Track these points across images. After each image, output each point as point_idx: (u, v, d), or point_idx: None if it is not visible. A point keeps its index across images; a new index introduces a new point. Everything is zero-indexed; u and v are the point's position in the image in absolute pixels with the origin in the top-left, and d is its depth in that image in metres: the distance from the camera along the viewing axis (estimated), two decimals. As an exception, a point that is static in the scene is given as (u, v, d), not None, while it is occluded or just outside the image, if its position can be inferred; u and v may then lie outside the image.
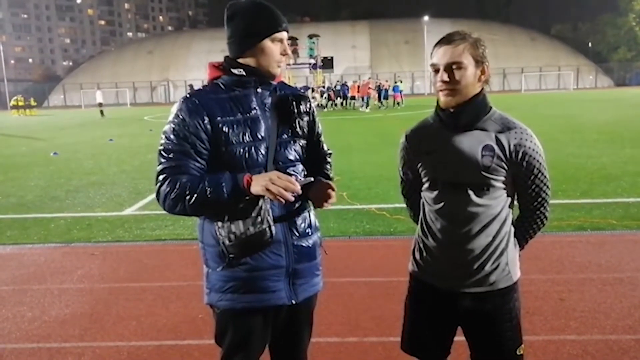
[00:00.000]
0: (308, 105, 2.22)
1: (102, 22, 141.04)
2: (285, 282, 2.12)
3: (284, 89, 2.21)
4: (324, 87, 40.62)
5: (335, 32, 68.91)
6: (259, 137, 2.05)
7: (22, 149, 17.59)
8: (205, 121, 1.99)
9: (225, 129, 2.01)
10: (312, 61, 39.88)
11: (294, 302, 2.14)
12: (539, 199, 2.11)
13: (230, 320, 2.13)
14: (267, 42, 2.03)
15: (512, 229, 2.15)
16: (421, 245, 2.22)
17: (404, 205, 2.44)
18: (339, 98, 38.46)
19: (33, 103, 51.83)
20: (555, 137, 14.64)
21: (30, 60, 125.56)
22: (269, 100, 2.13)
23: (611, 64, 73.29)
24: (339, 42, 67.12)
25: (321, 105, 38.35)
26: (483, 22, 76.25)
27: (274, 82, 2.16)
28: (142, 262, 5.56)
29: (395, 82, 37.64)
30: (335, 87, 40.03)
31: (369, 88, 36.14)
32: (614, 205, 7.06)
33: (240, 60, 2.08)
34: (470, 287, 2.10)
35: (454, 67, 1.97)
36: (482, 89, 2.06)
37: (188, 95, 2.07)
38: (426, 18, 65.34)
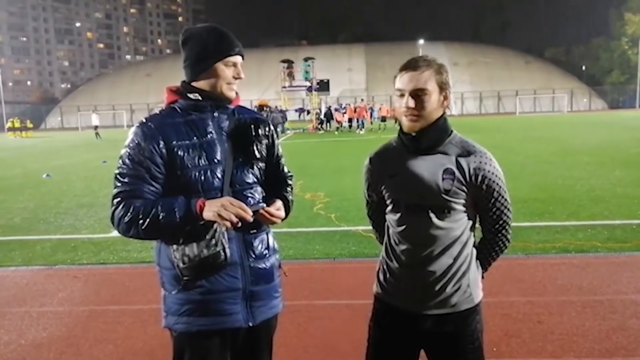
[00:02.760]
0: (267, 129, 2.24)
1: (101, 45, 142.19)
2: (242, 304, 2.11)
3: (242, 113, 2.23)
4: (319, 110, 40.90)
5: (331, 55, 69.59)
6: (215, 160, 2.06)
7: (16, 171, 17.58)
8: (161, 145, 2.01)
9: (180, 152, 2.02)
10: (308, 84, 40.14)
11: (251, 324, 2.13)
12: (500, 222, 2.13)
13: (186, 344, 2.12)
14: (220, 65, 2.06)
15: (474, 252, 2.16)
16: (385, 267, 2.23)
17: (371, 226, 2.46)
18: (329, 122, 38.97)
19: (29, 125, 51.90)
20: (546, 160, 14.71)
21: (28, 82, 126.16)
22: (226, 124, 2.15)
23: (605, 86, 74.01)
24: (335, 65, 67.74)
25: (317, 127, 38.55)
26: (477, 45, 77.03)
27: (231, 106, 2.17)
28: (125, 285, 5.53)
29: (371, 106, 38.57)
30: (329, 109, 40.37)
31: (365, 111, 36.44)
32: (600, 228, 7.07)
33: (195, 84, 2.10)
34: (432, 309, 2.10)
35: (419, 93, 2.00)
36: (444, 113, 2.09)
37: (144, 120, 2.09)
38: (421, 41, 66.04)
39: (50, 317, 4.65)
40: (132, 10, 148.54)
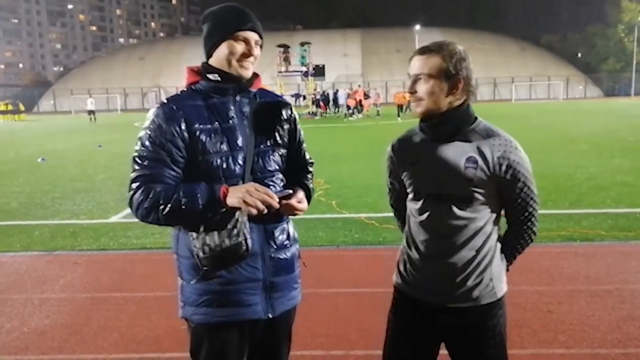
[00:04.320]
0: (289, 113, 2.16)
1: (94, 28, 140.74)
2: (262, 295, 2.05)
3: (264, 96, 2.15)
4: (315, 94, 40.68)
5: (326, 40, 69.04)
6: (237, 147, 1.99)
7: (9, 155, 17.40)
8: (183, 127, 1.93)
9: (202, 137, 1.95)
10: (304, 69, 39.93)
11: (270, 316, 2.07)
12: (526, 213, 2.06)
13: (204, 335, 2.06)
14: (230, 41, 1.98)
15: (498, 244, 2.10)
16: (405, 257, 2.17)
17: (393, 214, 2.40)
18: (330, 105, 38.59)
19: (21, 108, 51.38)
20: (545, 148, 14.68)
21: (20, 65, 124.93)
22: (247, 109, 2.07)
23: (600, 74, 73.91)
24: (331, 50, 67.22)
25: (313, 112, 38.37)
26: (473, 31, 76.69)
27: (253, 89, 2.10)
28: (126, 271, 5.47)
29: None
30: (325, 94, 40.18)
31: (364, 96, 36.29)
32: (603, 216, 7.05)
33: (211, 62, 2.03)
34: (453, 302, 2.05)
35: (417, 78, 1.98)
36: (465, 100, 2.01)
37: (165, 101, 2.00)
38: (417, 27, 65.66)
39: (52, 304, 4.58)
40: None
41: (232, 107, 2.03)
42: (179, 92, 2.06)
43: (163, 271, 5.42)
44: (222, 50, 2.00)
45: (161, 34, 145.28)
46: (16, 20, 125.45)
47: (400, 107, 31.78)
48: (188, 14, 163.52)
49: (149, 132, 1.94)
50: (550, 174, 10.22)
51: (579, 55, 79.89)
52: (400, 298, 2.21)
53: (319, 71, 41.69)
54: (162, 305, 4.46)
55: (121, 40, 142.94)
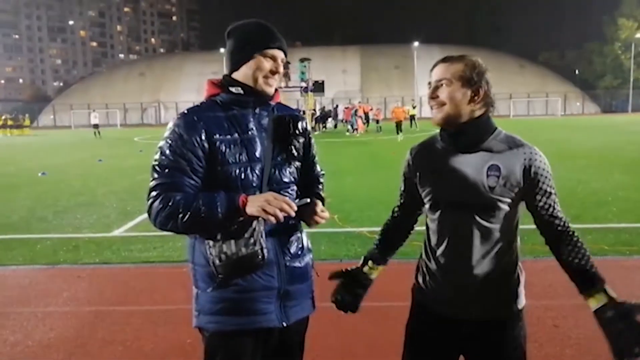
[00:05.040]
0: (304, 126, 2.19)
1: (94, 44, 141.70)
2: (276, 304, 2.07)
3: (281, 110, 2.19)
4: (314, 110, 40.85)
5: (326, 57, 69.49)
6: (255, 158, 2.02)
7: (10, 169, 17.41)
8: (203, 138, 1.96)
9: (222, 147, 1.98)
10: (304, 84, 40.08)
11: (284, 324, 2.09)
12: (561, 217, 1.99)
13: (219, 344, 2.06)
14: (259, 57, 2.02)
15: (519, 256, 2.07)
16: (424, 268, 2.15)
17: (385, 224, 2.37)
18: (329, 119, 38.75)
19: (26, 122, 51.12)
20: (545, 162, 14.70)
21: (20, 80, 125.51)
22: (266, 121, 2.10)
23: (598, 91, 74.45)
24: (330, 66, 67.65)
25: (312, 128, 38.53)
26: (472, 48, 77.19)
27: (272, 103, 2.14)
28: (130, 285, 5.45)
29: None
30: (324, 109, 40.44)
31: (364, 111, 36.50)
32: (605, 231, 7.06)
33: (235, 75, 2.07)
34: (473, 314, 2.02)
35: (439, 84, 1.98)
36: (486, 111, 2.02)
37: (186, 111, 2.03)
38: (416, 44, 66.25)
39: (56, 318, 4.56)
40: (126, 9, 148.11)
41: (251, 119, 2.07)
42: (198, 104, 2.09)
43: (167, 284, 5.42)
44: (249, 66, 2.04)
45: (161, 50, 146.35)
46: (17, 36, 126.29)
47: (399, 124, 28.93)
48: (188, 30, 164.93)
49: (170, 142, 1.97)
50: (551, 189, 10.22)
51: (577, 72, 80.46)
52: (418, 310, 2.19)
53: (319, 87, 41.83)
54: (167, 319, 4.45)
55: (121, 55, 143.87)
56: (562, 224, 2.01)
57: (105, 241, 7.30)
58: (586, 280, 1.99)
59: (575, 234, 2.01)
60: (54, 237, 7.57)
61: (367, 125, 36.37)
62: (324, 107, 43.51)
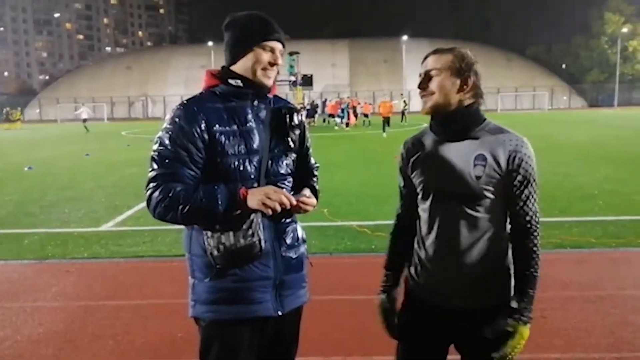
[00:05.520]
0: (300, 118, 2.21)
1: (81, 37, 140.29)
2: (272, 293, 2.09)
3: (278, 102, 2.21)
4: (303, 104, 40.79)
5: (315, 50, 69.32)
6: (253, 149, 2.03)
7: (-4, 163, 17.23)
8: (203, 128, 1.97)
9: (222, 139, 1.99)
10: (292, 78, 40.00)
11: (280, 313, 2.10)
12: (532, 214, 2.00)
13: (216, 333, 2.07)
14: (258, 49, 2.03)
15: (508, 244, 2.07)
16: (416, 259, 2.17)
17: (385, 222, 2.40)
18: (316, 114, 38.71)
19: (17, 116, 50.00)
20: (533, 156, 14.81)
21: (5, 73, 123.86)
22: (264, 113, 2.12)
23: (584, 85, 75.00)
24: (319, 60, 67.54)
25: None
26: (460, 42, 77.09)
27: (270, 95, 2.15)
28: (119, 279, 5.43)
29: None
30: (313, 103, 40.40)
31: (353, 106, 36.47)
32: (592, 224, 7.14)
33: (233, 68, 2.07)
34: (464, 303, 2.05)
35: (428, 74, 2.02)
36: (474, 102, 2.04)
37: (185, 102, 2.04)
38: (405, 38, 66.26)
39: (45, 313, 4.54)
40: (113, 2, 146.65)
41: (249, 111, 2.08)
42: (197, 95, 2.09)
43: (156, 279, 5.41)
44: (248, 59, 2.04)
45: (149, 43, 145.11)
46: (2, 29, 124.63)
47: (386, 119, 27.60)
48: (176, 23, 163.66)
49: (170, 132, 1.97)
50: (539, 182, 10.27)
51: (564, 66, 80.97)
52: (410, 301, 2.21)
53: (307, 81, 41.81)
54: (157, 313, 4.44)
55: (108, 49, 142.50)
56: (531, 220, 2.01)
57: (94, 236, 7.26)
58: (517, 284, 2.05)
59: (538, 235, 2.01)
60: (42, 232, 7.51)
61: (357, 119, 36.39)
62: (312, 101, 43.48)
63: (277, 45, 2.07)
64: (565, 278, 5.06)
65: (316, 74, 46.31)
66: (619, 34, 69.52)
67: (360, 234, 6.88)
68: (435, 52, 2.05)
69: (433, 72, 2.01)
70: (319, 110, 42.28)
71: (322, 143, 22.53)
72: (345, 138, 25.89)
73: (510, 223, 2.06)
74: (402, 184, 2.27)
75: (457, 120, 2.02)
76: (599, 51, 75.04)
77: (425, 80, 2.04)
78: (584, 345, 3.69)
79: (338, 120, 35.93)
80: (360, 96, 51.71)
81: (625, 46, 71.15)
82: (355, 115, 36.43)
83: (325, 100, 42.33)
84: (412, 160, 2.15)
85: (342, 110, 35.82)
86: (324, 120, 40.31)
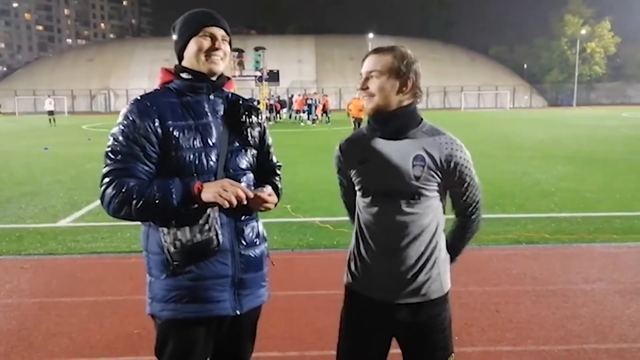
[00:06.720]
0: (260, 117, 2.22)
1: (40, 28, 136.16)
2: (231, 292, 2.08)
3: (236, 98, 2.21)
4: (269, 100, 40.59)
5: (281, 46, 69.02)
6: (210, 143, 2.03)
7: (-51, 157, 16.64)
8: (156, 124, 1.96)
9: (175, 133, 1.98)
10: (258, 74, 39.74)
11: (238, 312, 2.10)
12: (474, 204, 2.17)
13: (172, 331, 2.06)
14: (196, 38, 2.05)
15: (443, 240, 2.19)
16: (355, 255, 2.22)
17: (347, 218, 2.45)
18: (283, 109, 38.57)
19: None
20: (493, 154, 15.14)
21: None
22: (221, 108, 2.12)
23: (545, 85, 76.82)
24: (285, 55, 67.27)
25: (267, 117, 38.25)
26: (426, 41, 78.14)
27: (227, 90, 2.16)
28: (76, 276, 5.33)
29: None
30: (279, 99, 40.29)
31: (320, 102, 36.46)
32: (547, 220, 7.34)
33: (183, 63, 2.09)
34: (404, 297, 2.10)
35: (369, 75, 2.07)
36: (413, 102, 2.11)
37: (139, 97, 2.03)
38: (370, 35, 66.53)
39: (-2, 310, 4.43)
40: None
41: (205, 105, 2.08)
42: (152, 90, 2.09)
43: (114, 275, 5.33)
44: (190, 48, 2.06)
45: (111, 36, 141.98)
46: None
47: (357, 121, 23.83)
48: (139, 15, 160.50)
49: (123, 128, 1.96)
50: (497, 179, 10.56)
51: (525, 66, 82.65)
52: (350, 297, 2.25)
53: (273, 76, 41.58)
54: (114, 310, 4.38)
55: (69, 40, 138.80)
56: (473, 210, 2.19)
57: (51, 232, 7.10)
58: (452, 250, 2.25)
59: (479, 220, 2.23)
60: (-4, 228, 7.31)
61: (324, 115, 36.44)
62: (279, 96, 43.33)
63: (217, 31, 2.07)
64: (519, 273, 5.19)
65: (282, 70, 46.10)
66: (578, 35, 71.40)
67: (323, 230, 6.92)
68: (375, 51, 2.09)
69: (373, 74, 2.06)
70: (287, 105, 42.13)
71: (286, 139, 22.51)
72: (309, 134, 25.92)
73: (454, 210, 2.23)
74: (339, 180, 2.39)
75: (395, 120, 2.08)
76: (559, 52, 76.86)
77: (365, 82, 2.08)
78: (535, 338, 3.80)
79: (304, 116, 35.91)
80: (327, 92, 51.64)
81: (583, 47, 73.12)
82: (324, 112, 36.47)
83: (292, 95, 42.20)
84: (350, 161, 2.22)
85: (309, 106, 35.84)
86: (290, 117, 40.30)
